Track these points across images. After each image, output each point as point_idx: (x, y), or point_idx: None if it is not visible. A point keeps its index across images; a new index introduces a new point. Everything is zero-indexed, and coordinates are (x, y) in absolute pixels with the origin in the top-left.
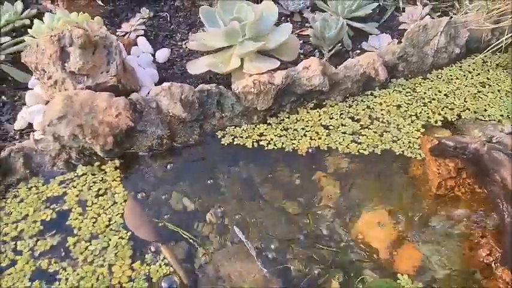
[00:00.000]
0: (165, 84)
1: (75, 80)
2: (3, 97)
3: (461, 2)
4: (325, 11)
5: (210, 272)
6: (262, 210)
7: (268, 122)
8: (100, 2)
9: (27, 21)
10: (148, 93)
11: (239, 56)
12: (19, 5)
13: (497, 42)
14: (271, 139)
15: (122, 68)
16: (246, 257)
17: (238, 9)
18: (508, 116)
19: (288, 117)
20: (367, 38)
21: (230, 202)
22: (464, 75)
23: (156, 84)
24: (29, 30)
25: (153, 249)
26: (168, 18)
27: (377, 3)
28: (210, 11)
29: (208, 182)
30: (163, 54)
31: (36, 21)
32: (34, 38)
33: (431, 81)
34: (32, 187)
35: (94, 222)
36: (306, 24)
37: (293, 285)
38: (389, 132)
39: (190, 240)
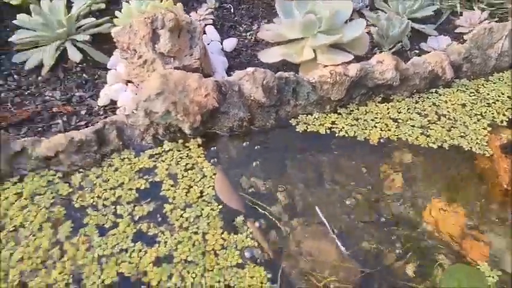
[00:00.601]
0: (249, 69)
1: (164, 60)
2: (84, 75)
3: None
4: (384, 11)
5: (291, 247)
6: (334, 194)
7: (338, 112)
8: None
9: (103, 5)
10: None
11: (312, 47)
12: None
13: None
14: (343, 127)
15: (204, 53)
16: (323, 236)
17: (313, 4)
18: None
19: (357, 109)
20: (423, 39)
21: (302, 184)
22: None
23: (226, 71)
24: (117, 13)
25: (240, 221)
26: (232, 10)
27: (437, 6)
28: (287, 3)
29: (284, 164)
30: (230, 43)
31: (125, 4)
32: (116, 19)
33: (494, 83)
34: (124, 158)
35: (187, 193)
36: (367, 23)
37: (371, 265)
38: (456, 128)
39: (271, 217)
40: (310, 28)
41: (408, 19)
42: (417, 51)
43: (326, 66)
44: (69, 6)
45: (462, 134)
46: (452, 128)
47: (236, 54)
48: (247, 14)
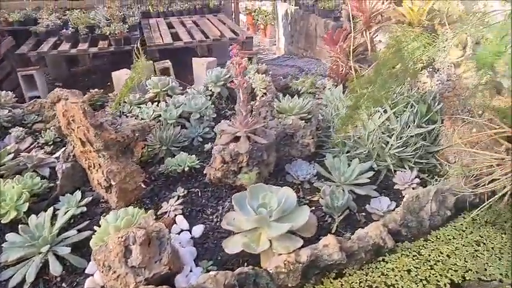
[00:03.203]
0: (212, 273)
1: (135, 273)
2: (63, 284)
3: (441, 164)
4: (329, 179)
5: None
6: None
7: None
8: (143, 185)
9: (84, 209)
10: (187, 275)
11: (268, 237)
12: (78, 195)
13: (485, 204)
14: None
15: (172, 255)
16: None
17: (263, 196)
18: (507, 275)
19: None
20: (368, 199)
21: None
22: (460, 234)
23: (195, 260)
24: (96, 227)
25: None
26: (199, 194)
27: (373, 172)
28: (241, 198)
29: None
30: (198, 230)
31: (103, 220)
32: (94, 235)
33: (432, 242)
34: None
35: None
36: (317, 193)
37: None
38: None
39: None
40: (263, 221)
41: (351, 184)
42: (364, 214)
43: (280, 254)
44: (54, 213)
45: None
46: None
47: (204, 240)
48: (213, 195)
